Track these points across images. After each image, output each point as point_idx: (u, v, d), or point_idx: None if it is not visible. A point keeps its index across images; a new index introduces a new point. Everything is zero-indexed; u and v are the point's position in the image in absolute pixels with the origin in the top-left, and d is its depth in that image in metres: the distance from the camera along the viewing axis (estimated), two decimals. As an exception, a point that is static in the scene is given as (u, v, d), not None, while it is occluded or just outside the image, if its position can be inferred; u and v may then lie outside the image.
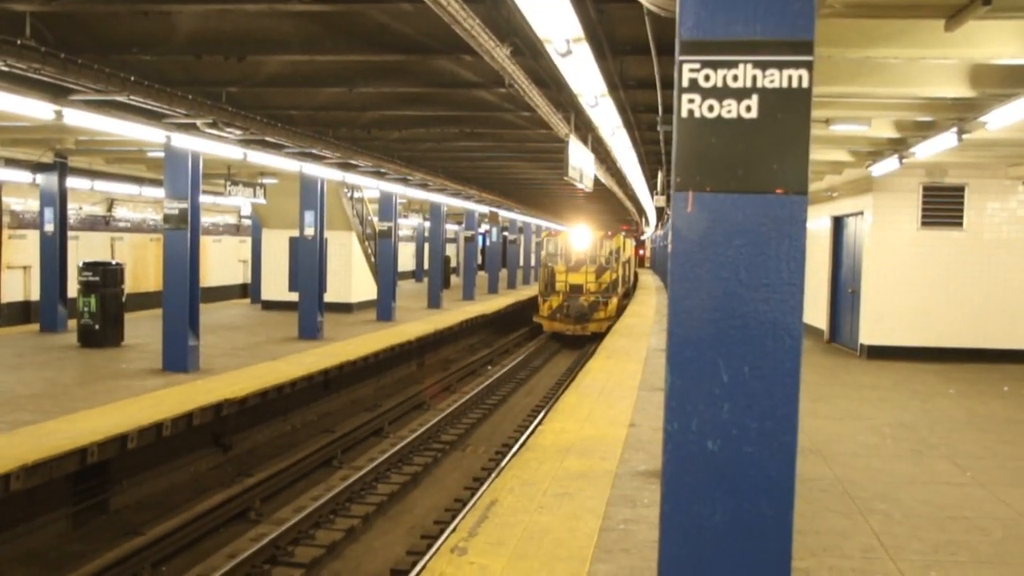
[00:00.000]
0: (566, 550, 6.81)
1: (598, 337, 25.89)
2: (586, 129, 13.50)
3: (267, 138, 14.47)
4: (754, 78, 3.22)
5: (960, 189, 17.71)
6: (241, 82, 11.96)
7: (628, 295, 37.79)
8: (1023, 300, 17.28)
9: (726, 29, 3.24)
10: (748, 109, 3.23)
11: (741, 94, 3.23)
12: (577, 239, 33.10)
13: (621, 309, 32.01)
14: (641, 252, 66.34)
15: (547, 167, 22.98)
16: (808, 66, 3.20)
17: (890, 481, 8.88)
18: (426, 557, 8.18)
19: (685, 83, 3.25)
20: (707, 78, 3.25)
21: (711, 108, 3.25)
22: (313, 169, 18.84)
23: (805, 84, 3.20)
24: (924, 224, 17.88)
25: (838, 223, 21.16)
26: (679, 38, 3.26)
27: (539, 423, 13.87)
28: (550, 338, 30.79)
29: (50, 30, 9.79)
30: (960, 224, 17.77)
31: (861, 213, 18.95)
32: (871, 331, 18.20)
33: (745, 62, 3.22)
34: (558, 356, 28.05)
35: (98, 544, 10.12)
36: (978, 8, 6.20)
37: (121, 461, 11.10)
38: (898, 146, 14.07)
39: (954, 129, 11.54)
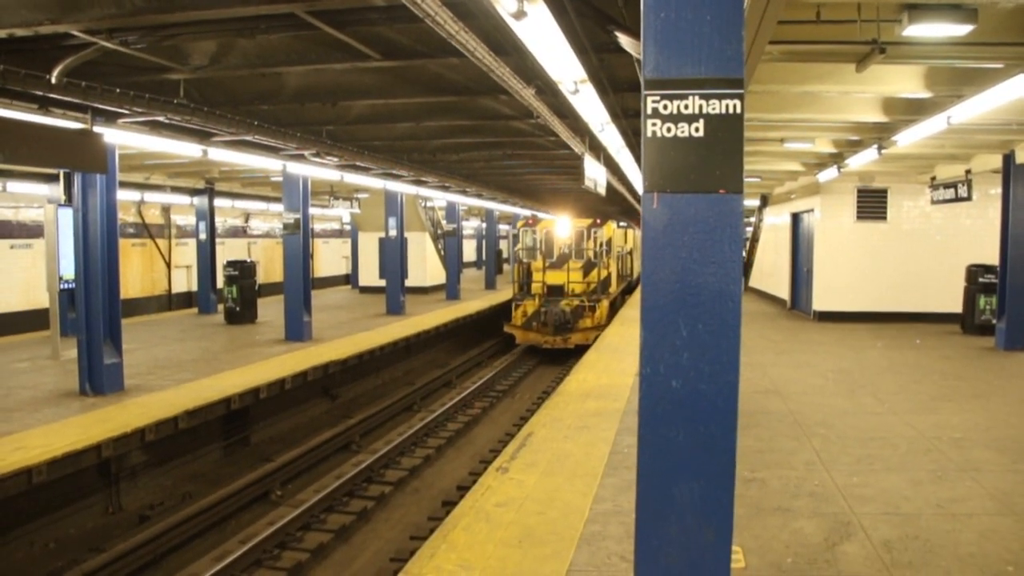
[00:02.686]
0: (583, 468, 6.87)
1: (582, 351, 15.57)
2: (598, 148, 13.43)
3: (357, 163, 14.58)
4: (700, 107, 3.22)
5: (884, 191, 17.59)
6: (335, 121, 12.04)
7: (630, 290, 26.56)
8: (930, 275, 17.05)
9: (679, 70, 3.24)
10: (697, 130, 3.23)
11: (691, 119, 3.23)
12: (558, 229, 21.32)
13: (615, 310, 21.65)
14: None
15: (571, 178, 22.74)
16: (740, 97, 3.20)
17: (829, 412, 8.82)
18: (481, 476, 8.26)
19: (649, 111, 3.25)
20: (665, 107, 3.25)
21: (669, 130, 3.25)
22: (394, 186, 18.93)
23: (738, 111, 3.20)
24: (859, 218, 17.75)
25: (796, 218, 20.86)
26: (643, 78, 3.25)
27: (568, 375, 13.89)
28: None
29: (197, 91, 9.97)
30: (885, 218, 17.65)
31: (812, 210, 18.69)
32: (821, 300, 18.01)
33: (693, 95, 3.22)
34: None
35: (242, 468, 10.36)
36: (876, 56, 6.20)
37: (256, 408, 11.31)
38: (836, 159, 13.96)
39: (875, 146, 11.45)
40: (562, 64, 6.26)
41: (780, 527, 5.41)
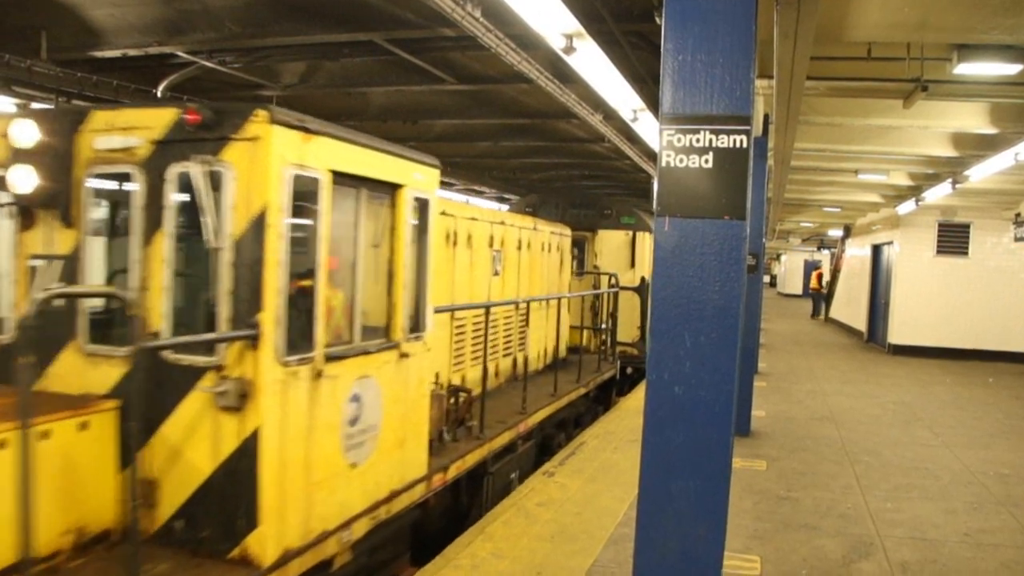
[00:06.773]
0: (626, 477, 7.16)
1: None
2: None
3: (442, 179, 15.17)
4: (710, 140, 3.54)
5: (966, 226, 17.28)
6: (417, 139, 12.62)
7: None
8: (1012, 313, 16.65)
9: (692, 108, 3.57)
10: (706, 161, 3.54)
11: (702, 151, 3.55)
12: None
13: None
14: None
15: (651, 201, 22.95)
16: (747, 133, 3.51)
17: (879, 441, 8.85)
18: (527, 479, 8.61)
19: (664, 144, 3.58)
20: (679, 140, 3.57)
21: (681, 160, 3.58)
22: (477, 202, 19.51)
23: (744, 145, 3.50)
24: (939, 252, 17.47)
25: (876, 250, 20.57)
26: (660, 114, 3.60)
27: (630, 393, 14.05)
28: None
29: (288, 106, 10.63)
30: (966, 253, 17.33)
31: (892, 243, 18.44)
32: (897, 333, 17.73)
33: (704, 130, 3.54)
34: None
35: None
36: (919, 93, 6.30)
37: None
38: (914, 192, 13.85)
39: (949, 180, 11.35)
40: (619, 92, 6.62)
41: (802, 543, 5.60)
